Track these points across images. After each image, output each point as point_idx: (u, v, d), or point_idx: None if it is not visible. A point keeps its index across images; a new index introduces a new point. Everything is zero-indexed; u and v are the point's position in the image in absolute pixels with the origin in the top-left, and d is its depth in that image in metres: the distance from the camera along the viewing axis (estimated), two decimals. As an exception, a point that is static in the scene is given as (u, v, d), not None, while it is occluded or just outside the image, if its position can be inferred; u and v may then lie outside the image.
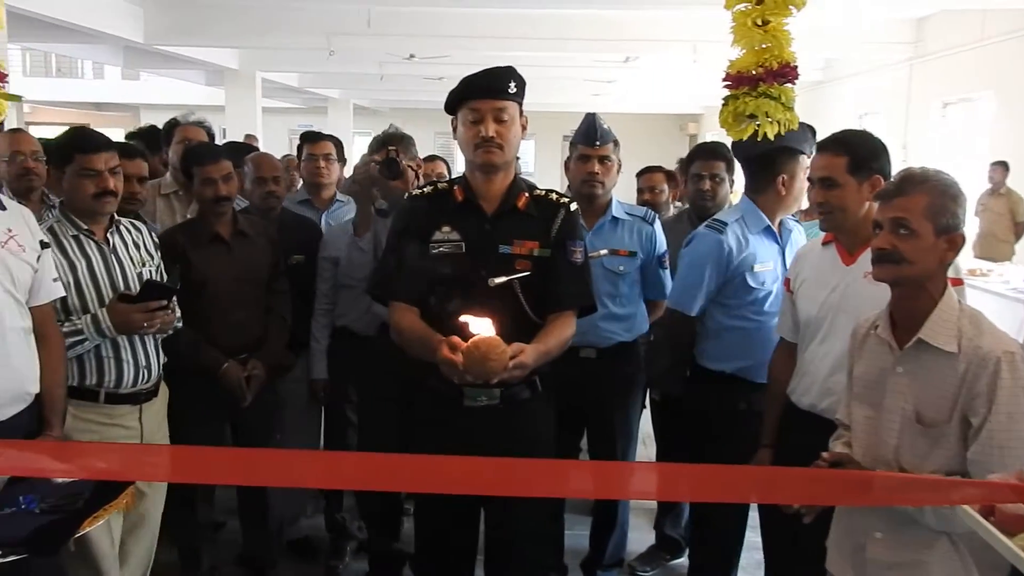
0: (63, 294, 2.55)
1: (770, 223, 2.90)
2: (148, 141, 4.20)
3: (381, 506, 3.52)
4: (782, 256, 2.93)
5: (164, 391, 2.90)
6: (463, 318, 2.11)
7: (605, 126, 3.20)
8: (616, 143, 3.23)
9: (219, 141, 4.76)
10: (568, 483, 1.97)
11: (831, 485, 1.72)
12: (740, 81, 1.95)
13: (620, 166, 3.28)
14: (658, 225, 3.29)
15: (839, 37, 9.27)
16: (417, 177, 3.18)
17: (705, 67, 10.55)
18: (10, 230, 2.33)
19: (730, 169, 3.57)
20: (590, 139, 3.16)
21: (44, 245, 2.46)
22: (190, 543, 3.29)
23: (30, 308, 2.39)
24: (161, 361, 2.83)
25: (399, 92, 16.55)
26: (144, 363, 2.74)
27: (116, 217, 2.78)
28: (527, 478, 1.81)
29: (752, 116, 1.94)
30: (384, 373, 3.23)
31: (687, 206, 3.91)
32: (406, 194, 2.76)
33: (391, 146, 3.14)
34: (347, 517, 3.70)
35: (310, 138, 3.99)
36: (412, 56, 10.17)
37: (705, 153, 3.62)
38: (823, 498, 1.87)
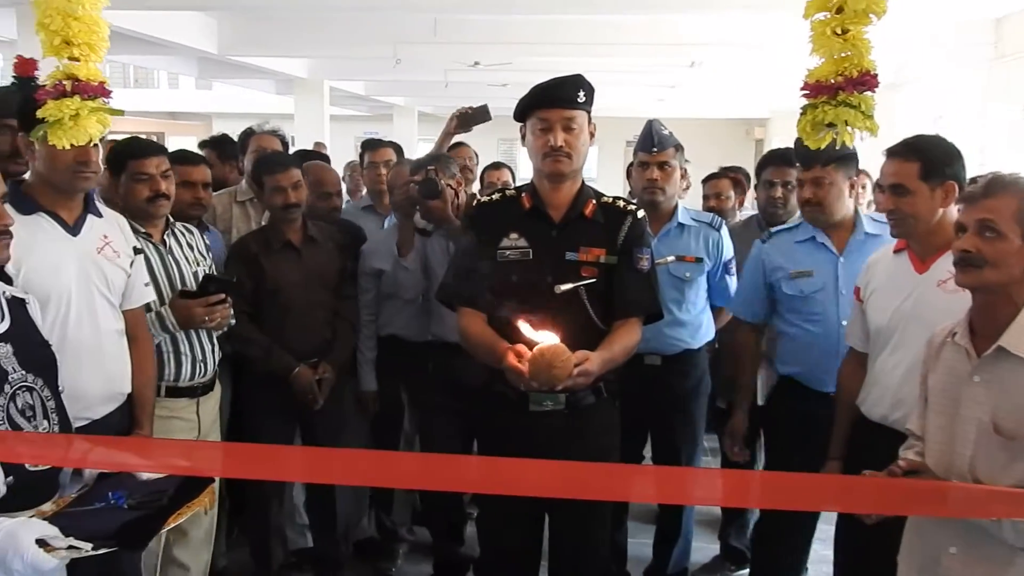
0: (153, 298, 2.66)
1: (817, 232, 2.89)
2: (221, 149, 4.32)
3: (445, 511, 3.56)
4: (835, 266, 2.87)
5: (219, 386, 3.00)
6: (522, 329, 2.13)
7: (665, 132, 3.19)
8: (678, 148, 3.21)
9: (289, 149, 4.87)
10: (633, 487, 1.97)
11: (905, 494, 1.69)
12: (819, 90, 1.93)
13: (685, 172, 3.27)
14: (725, 231, 3.27)
15: (913, 39, 9.05)
16: (456, 195, 3.20)
17: (773, 71, 10.42)
18: (106, 236, 2.44)
19: None
20: (648, 145, 3.16)
21: (136, 251, 2.57)
22: (263, 542, 3.36)
23: (123, 311, 2.50)
24: (216, 356, 2.93)
25: (463, 99, 16.57)
26: (200, 357, 2.85)
27: (171, 220, 2.90)
28: (592, 481, 1.82)
29: (831, 125, 1.92)
30: (440, 380, 3.28)
31: (755, 212, 3.87)
32: (469, 203, 2.81)
33: (430, 166, 3.18)
34: (396, 521, 3.73)
35: (371, 146, 4.07)
36: (477, 63, 10.23)
37: (777, 160, 3.59)
38: (897, 507, 1.83)
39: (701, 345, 3.27)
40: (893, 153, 2.37)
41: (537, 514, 2.51)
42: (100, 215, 2.46)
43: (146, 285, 2.60)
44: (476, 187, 4.72)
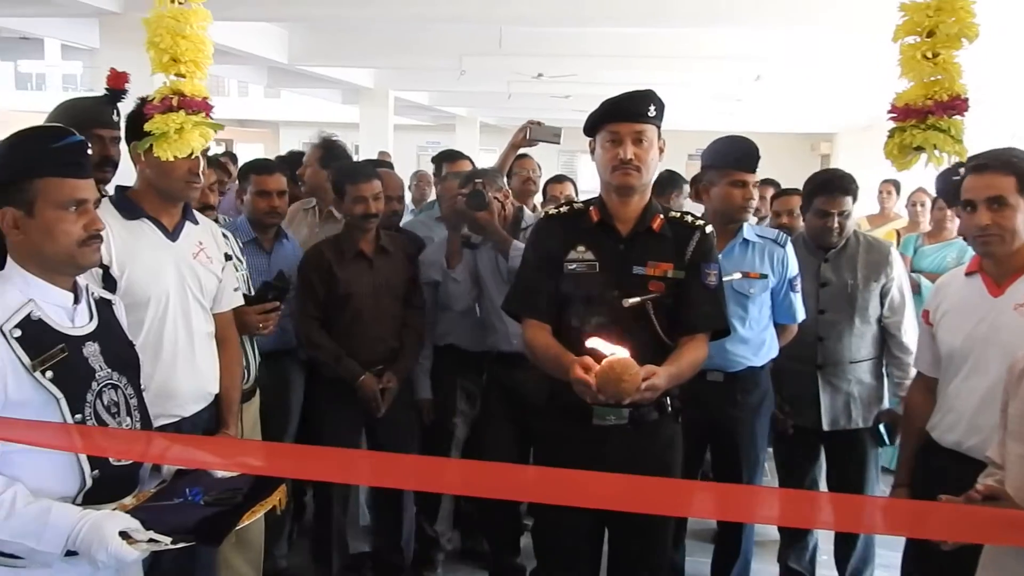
0: (242, 303, 2.75)
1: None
2: (292, 165, 4.40)
3: (502, 521, 3.57)
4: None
5: (258, 393, 3.07)
6: (591, 343, 2.14)
7: None
8: None
9: (356, 159, 4.96)
10: (694, 503, 1.96)
11: (985, 521, 1.65)
12: (907, 113, 1.90)
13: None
14: (790, 248, 3.22)
15: (989, 55, 8.83)
16: (503, 208, 3.25)
17: (841, 85, 10.26)
18: (200, 243, 2.54)
19: (855, 200, 3.29)
20: (750, 165, 3.09)
21: (228, 257, 2.67)
22: (324, 545, 3.42)
23: (213, 314, 2.59)
24: (257, 363, 3.02)
25: (525, 110, 16.68)
26: (244, 364, 2.92)
27: (281, 230, 3.03)
28: (653, 495, 1.81)
29: (919, 148, 1.89)
30: (496, 390, 3.31)
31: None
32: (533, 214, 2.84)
33: (477, 179, 3.23)
34: (440, 529, 3.75)
35: (449, 157, 4.10)
36: (540, 75, 10.28)
37: (831, 188, 3.25)
38: (976, 535, 1.79)
39: (764, 363, 3.23)
40: (983, 167, 2.27)
41: (597, 528, 2.51)
42: (196, 222, 2.57)
43: (235, 290, 2.70)
44: (539, 199, 4.75)
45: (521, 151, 4.05)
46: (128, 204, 2.40)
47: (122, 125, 2.52)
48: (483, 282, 3.32)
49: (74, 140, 1.81)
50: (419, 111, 16.86)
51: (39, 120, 2.72)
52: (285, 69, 9.85)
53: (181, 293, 2.43)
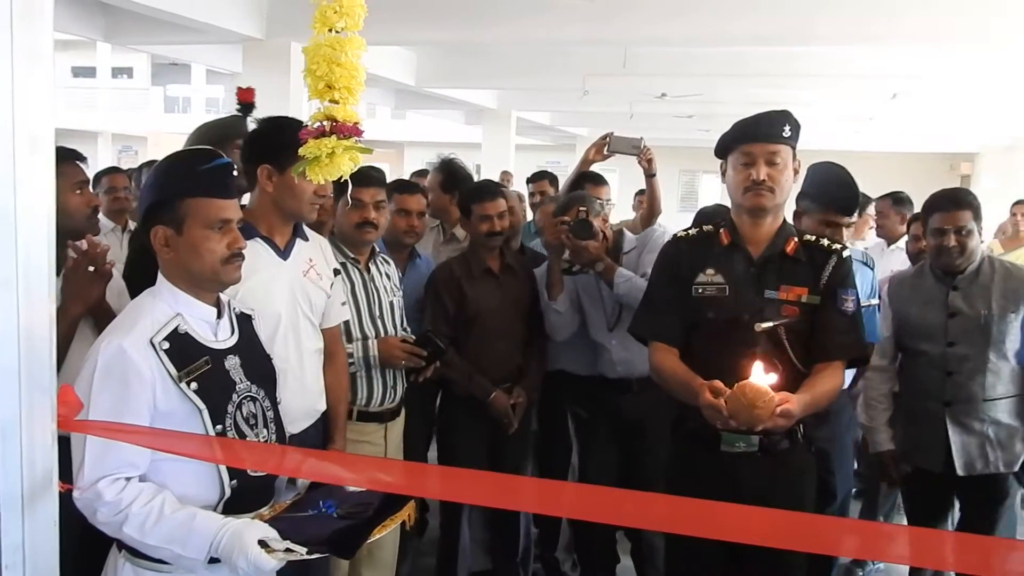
0: (348, 317, 2.81)
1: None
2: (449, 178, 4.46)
3: (599, 547, 3.49)
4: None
5: (404, 412, 3.09)
6: (754, 370, 2.08)
7: None
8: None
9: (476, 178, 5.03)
10: (840, 541, 1.86)
11: None
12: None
13: None
14: (877, 270, 3.33)
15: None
16: (605, 236, 3.17)
17: (983, 102, 9.74)
18: (311, 259, 2.57)
19: (977, 217, 3.00)
20: (848, 209, 2.95)
21: (336, 272, 2.71)
22: (448, 562, 3.45)
23: (321, 329, 2.62)
24: (404, 383, 3.04)
25: (646, 130, 16.54)
26: (391, 383, 2.97)
27: (376, 249, 3.05)
28: (789, 531, 1.73)
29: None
30: (603, 416, 3.27)
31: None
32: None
33: (581, 207, 3.15)
34: (560, 557, 3.70)
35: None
36: (664, 95, 10.20)
37: (947, 203, 3.01)
38: None
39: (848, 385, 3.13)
40: None
41: (726, 557, 2.44)
42: (307, 239, 2.61)
43: (343, 304, 2.74)
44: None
45: (596, 168, 3.93)
46: (243, 225, 2.43)
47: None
48: (585, 310, 3.27)
49: (221, 163, 1.89)
50: (540, 131, 17.01)
51: (184, 140, 2.88)
52: (412, 91, 10.12)
53: (292, 311, 2.46)
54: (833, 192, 2.94)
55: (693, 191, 20.60)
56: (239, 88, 3.01)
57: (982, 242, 3.08)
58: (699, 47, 8.22)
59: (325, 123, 1.61)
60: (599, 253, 3.11)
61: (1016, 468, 2.96)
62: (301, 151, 1.62)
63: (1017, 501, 3.09)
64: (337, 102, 1.58)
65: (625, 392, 3.20)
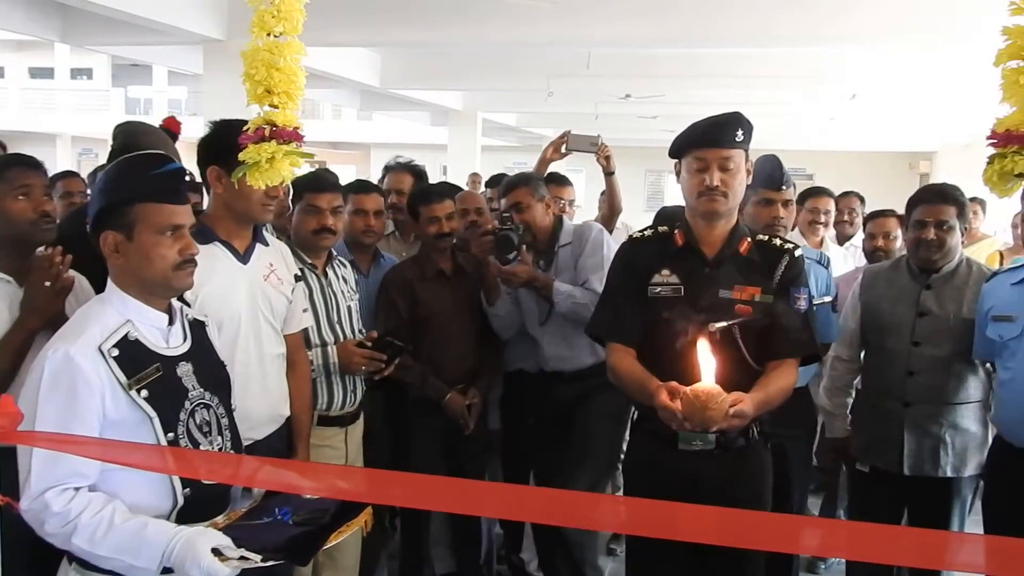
0: (311, 323, 2.79)
1: None
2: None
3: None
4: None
5: (363, 415, 3.07)
6: (700, 349, 2.10)
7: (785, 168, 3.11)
8: (794, 186, 3.15)
9: (441, 179, 5.00)
10: (800, 537, 1.86)
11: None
12: (1009, 139, 1.81)
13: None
14: (832, 269, 3.28)
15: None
16: (533, 232, 3.18)
17: (941, 102, 9.91)
18: (271, 264, 2.55)
19: (962, 215, 2.96)
20: (775, 183, 3.02)
21: (297, 278, 2.69)
22: (415, 568, 3.44)
23: (284, 336, 2.60)
24: (363, 386, 3.03)
25: (612, 130, 16.68)
26: (351, 387, 2.96)
27: (333, 253, 3.03)
28: (753, 529, 1.74)
29: (1021, 175, 1.79)
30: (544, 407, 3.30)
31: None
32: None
33: (506, 214, 3.18)
34: (525, 558, 3.69)
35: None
36: (628, 96, 10.27)
37: (932, 196, 2.98)
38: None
39: (804, 383, 3.12)
40: None
41: (691, 559, 2.45)
42: (267, 244, 2.59)
43: (304, 311, 2.72)
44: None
45: (561, 169, 3.95)
46: (200, 229, 2.39)
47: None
48: (526, 307, 3.28)
49: (172, 167, 1.87)
50: (506, 132, 17.04)
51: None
52: (377, 92, 10.10)
53: (253, 315, 2.45)
54: (759, 171, 2.92)
55: (659, 191, 20.74)
56: (167, 118, 3.04)
57: (964, 242, 3.09)
58: (661, 48, 8.29)
59: (265, 128, 1.60)
60: (528, 276, 3.11)
61: (967, 473, 2.92)
62: (241, 156, 1.61)
63: (967, 509, 3.03)
64: (276, 107, 1.57)
65: (558, 382, 3.25)
